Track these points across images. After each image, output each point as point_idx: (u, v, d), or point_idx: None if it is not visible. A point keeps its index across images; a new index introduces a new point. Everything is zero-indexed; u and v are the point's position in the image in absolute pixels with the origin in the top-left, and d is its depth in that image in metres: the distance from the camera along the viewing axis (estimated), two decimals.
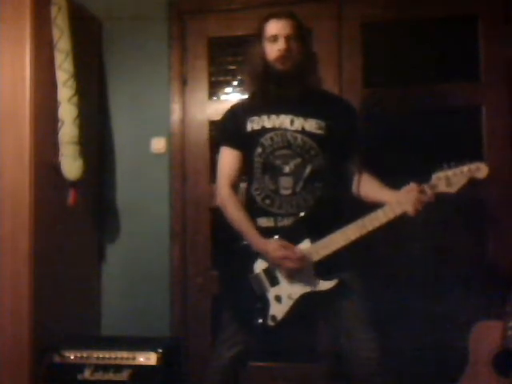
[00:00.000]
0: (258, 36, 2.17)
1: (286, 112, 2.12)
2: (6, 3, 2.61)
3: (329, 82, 2.90)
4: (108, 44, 3.24)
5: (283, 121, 2.12)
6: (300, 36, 2.13)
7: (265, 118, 2.13)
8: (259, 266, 2.08)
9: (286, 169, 2.09)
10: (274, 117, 2.13)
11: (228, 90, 3.20)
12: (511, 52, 2.79)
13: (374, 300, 2.09)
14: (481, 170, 1.92)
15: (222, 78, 3.20)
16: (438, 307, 2.76)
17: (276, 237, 2.05)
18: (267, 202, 2.10)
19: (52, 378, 2.59)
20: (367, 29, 2.96)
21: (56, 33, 2.71)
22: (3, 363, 2.56)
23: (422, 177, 2.00)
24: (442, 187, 1.94)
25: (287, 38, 2.10)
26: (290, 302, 2.03)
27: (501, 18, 2.81)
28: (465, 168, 1.93)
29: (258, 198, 2.12)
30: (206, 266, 3.09)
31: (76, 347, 2.63)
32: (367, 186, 2.15)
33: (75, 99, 2.74)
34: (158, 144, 3.16)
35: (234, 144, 2.18)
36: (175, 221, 3.13)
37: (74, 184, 2.77)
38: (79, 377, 2.58)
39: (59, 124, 2.72)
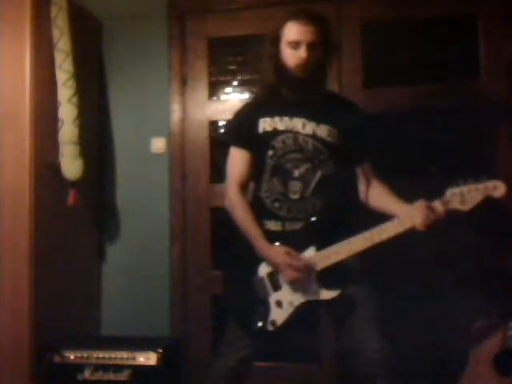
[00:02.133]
0: (276, 36, 2.07)
1: (299, 115, 2.08)
2: (6, 3, 2.61)
3: (329, 82, 2.91)
4: (108, 44, 3.24)
5: (295, 124, 2.08)
6: (323, 42, 2.05)
7: (277, 119, 2.10)
8: (263, 269, 2.05)
9: (296, 173, 2.06)
10: (286, 119, 2.09)
11: (228, 89, 3.20)
12: (511, 52, 2.79)
13: (373, 300, 2.09)
14: (498, 189, 1.84)
15: (222, 78, 3.20)
16: (438, 307, 2.76)
17: (277, 243, 2.03)
18: (276, 205, 2.07)
19: (52, 377, 2.58)
20: (367, 29, 2.96)
21: (56, 33, 2.71)
22: (3, 363, 2.56)
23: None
24: (456, 204, 1.87)
25: (309, 46, 2.01)
26: (291, 309, 2.01)
27: (501, 17, 2.81)
28: (481, 185, 1.85)
29: (267, 201, 2.09)
30: (206, 266, 3.10)
31: (76, 347, 2.63)
32: (376, 195, 2.11)
33: (75, 99, 2.75)
34: (158, 144, 3.16)
35: (245, 145, 2.13)
36: (175, 221, 3.13)
37: (73, 184, 2.77)
38: (79, 377, 2.58)
39: (59, 124, 2.72)
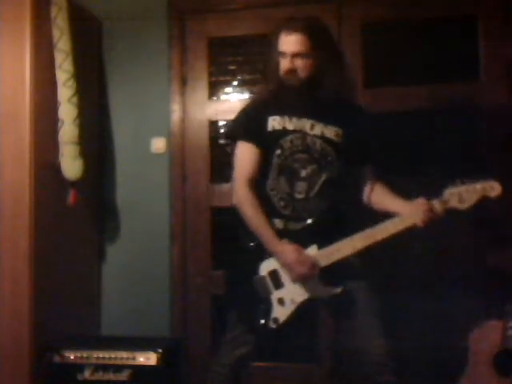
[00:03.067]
0: (271, 39, 2.10)
1: (307, 116, 2.10)
2: (6, 3, 2.61)
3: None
4: (108, 44, 3.24)
5: (304, 124, 2.10)
6: (311, 52, 2.04)
7: (286, 118, 2.11)
8: (265, 268, 2.06)
9: (303, 173, 2.08)
10: (295, 119, 2.10)
11: (228, 89, 3.20)
12: (511, 52, 2.79)
13: (373, 300, 2.09)
14: (494, 189, 1.92)
15: (222, 78, 3.20)
16: (438, 307, 2.76)
17: (285, 240, 2.04)
18: (281, 204, 2.09)
19: (52, 377, 2.59)
20: (367, 29, 2.96)
21: (56, 33, 2.71)
22: (3, 363, 2.56)
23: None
24: (454, 203, 1.94)
25: (293, 57, 2.04)
26: (293, 306, 2.02)
27: (501, 18, 2.81)
28: (478, 185, 1.93)
29: (274, 199, 2.10)
30: (206, 266, 3.10)
31: (76, 347, 2.63)
32: (379, 195, 2.15)
33: (75, 99, 2.74)
34: (158, 144, 3.16)
35: (254, 140, 2.12)
36: (175, 221, 3.13)
37: (73, 184, 2.77)
38: (79, 377, 2.58)
39: (59, 124, 2.72)
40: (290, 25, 2.06)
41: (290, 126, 2.10)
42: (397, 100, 2.92)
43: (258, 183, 2.13)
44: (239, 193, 2.11)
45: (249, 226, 2.07)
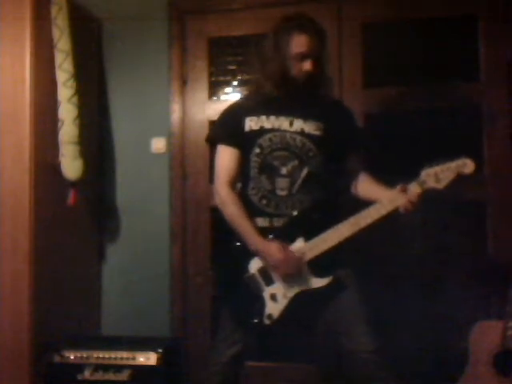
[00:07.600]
0: (278, 39, 2.09)
1: (286, 114, 2.12)
2: (6, 3, 2.61)
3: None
4: (108, 44, 3.24)
5: (282, 122, 2.12)
6: (323, 54, 2.11)
7: (263, 118, 2.13)
8: (254, 265, 2.09)
9: (283, 170, 2.10)
10: (272, 118, 2.13)
11: (228, 89, 3.20)
12: (511, 52, 2.79)
13: (373, 300, 2.09)
14: (467, 166, 1.95)
15: (221, 78, 3.20)
16: (438, 307, 2.76)
17: (270, 236, 2.06)
18: (263, 202, 2.11)
19: (52, 377, 2.59)
20: (367, 29, 2.96)
21: (56, 33, 2.71)
22: (3, 363, 2.56)
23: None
24: (431, 183, 1.97)
25: (314, 59, 2.07)
26: (286, 301, 2.04)
27: (501, 18, 2.81)
28: (452, 164, 1.96)
29: (255, 198, 2.12)
30: (206, 266, 3.09)
31: (76, 347, 2.63)
32: (364, 185, 2.18)
33: (75, 99, 2.75)
34: (158, 144, 3.16)
35: (232, 143, 2.16)
36: (175, 221, 3.13)
37: (74, 184, 2.77)
38: (79, 377, 2.58)
39: (59, 124, 2.72)
40: (304, 26, 2.08)
41: (267, 125, 2.13)
42: (397, 100, 2.92)
43: (238, 185, 2.17)
44: (221, 194, 2.14)
45: (232, 226, 2.10)
